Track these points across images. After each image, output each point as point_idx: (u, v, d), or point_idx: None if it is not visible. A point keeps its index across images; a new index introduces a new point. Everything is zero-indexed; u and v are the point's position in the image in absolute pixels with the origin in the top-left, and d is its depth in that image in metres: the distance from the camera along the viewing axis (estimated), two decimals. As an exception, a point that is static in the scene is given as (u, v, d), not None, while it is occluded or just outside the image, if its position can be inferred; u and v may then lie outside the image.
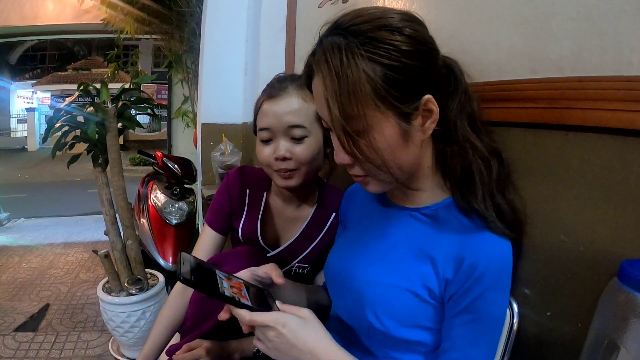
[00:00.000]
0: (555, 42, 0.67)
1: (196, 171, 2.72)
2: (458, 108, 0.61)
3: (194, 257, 0.61)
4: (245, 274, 0.68)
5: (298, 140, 0.86)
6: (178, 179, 2.61)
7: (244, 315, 0.56)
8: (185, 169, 2.62)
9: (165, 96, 4.78)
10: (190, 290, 0.95)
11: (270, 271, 0.69)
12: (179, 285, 1.01)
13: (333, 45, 0.55)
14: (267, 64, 1.58)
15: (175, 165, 2.59)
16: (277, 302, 0.63)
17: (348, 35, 0.54)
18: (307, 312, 0.58)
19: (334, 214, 0.97)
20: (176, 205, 2.54)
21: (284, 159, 0.85)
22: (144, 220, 2.48)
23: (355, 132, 0.55)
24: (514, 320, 0.70)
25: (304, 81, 0.64)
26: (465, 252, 0.58)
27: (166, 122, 4.47)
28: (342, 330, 0.68)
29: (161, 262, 2.29)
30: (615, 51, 0.59)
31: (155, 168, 2.72)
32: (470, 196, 0.62)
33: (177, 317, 0.97)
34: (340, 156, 0.60)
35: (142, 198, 2.68)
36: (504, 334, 0.70)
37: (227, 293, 0.57)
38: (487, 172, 0.62)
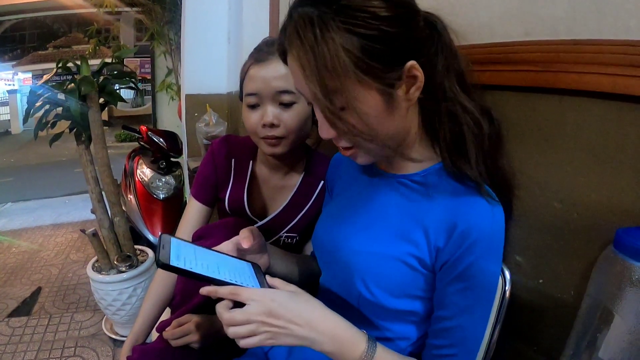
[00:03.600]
0: (550, 3, 0.64)
1: (182, 144, 2.67)
2: (444, 68, 0.58)
3: (174, 237, 0.59)
4: (227, 246, 0.66)
5: (286, 106, 0.83)
6: (164, 152, 2.56)
7: (225, 291, 0.53)
8: (171, 143, 2.57)
9: (149, 70, 4.64)
10: None
11: (239, 238, 0.67)
12: None
13: (304, 17, 0.51)
14: (251, 32, 1.52)
15: (161, 139, 2.53)
16: (267, 277, 0.61)
17: (320, 5, 0.50)
18: (294, 287, 0.57)
19: (322, 182, 0.94)
20: (163, 180, 2.50)
21: (272, 125, 0.83)
22: (131, 197, 2.44)
23: (339, 106, 0.52)
24: (506, 288, 0.70)
25: (280, 57, 0.60)
26: (457, 219, 0.56)
27: (150, 97, 4.37)
28: (332, 301, 0.67)
29: (150, 237, 2.27)
30: (612, 14, 0.57)
31: (141, 143, 2.66)
32: (460, 160, 0.59)
33: (166, 292, 0.96)
34: (325, 131, 0.57)
35: (129, 174, 2.63)
36: (496, 301, 0.69)
37: (206, 273, 0.55)
38: (479, 133, 0.59)
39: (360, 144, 0.56)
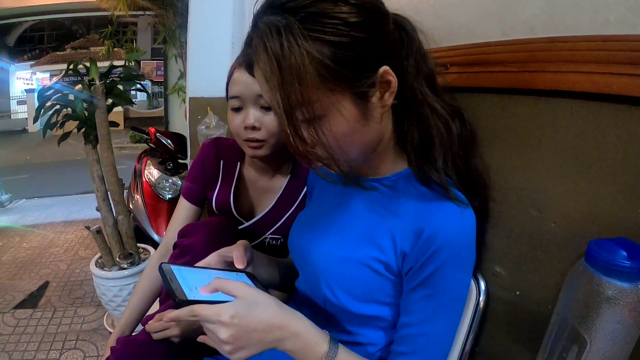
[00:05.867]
0: (527, 1, 0.62)
1: (189, 146, 2.71)
2: (414, 69, 0.56)
3: (172, 265, 0.58)
4: (213, 258, 0.66)
5: (268, 109, 0.85)
6: (172, 154, 2.60)
7: (183, 313, 0.53)
8: (178, 144, 2.62)
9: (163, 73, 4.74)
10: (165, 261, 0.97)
11: (235, 258, 0.65)
12: (154, 256, 1.03)
13: (270, 27, 0.48)
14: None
15: (168, 140, 2.58)
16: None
17: (285, 14, 0.48)
18: (242, 288, 0.55)
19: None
20: (170, 180, 2.54)
21: (253, 128, 0.85)
22: (138, 196, 2.50)
23: (307, 120, 0.50)
24: (480, 299, 0.68)
25: (246, 69, 0.60)
26: (424, 224, 0.55)
27: (148, 100, 4.43)
28: (303, 302, 0.68)
29: (155, 237, 2.31)
30: (591, 8, 0.54)
31: (150, 144, 2.72)
32: (426, 165, 0.58)
33: (154, 287, 0.99)
34: (292, 145, 0.53)
35: (137, 174, 2.68)
36: (469, 312, 0.68)
37: (217, 299, 0.54)
38: (447, 135, 0.58)
39: (333, 156, 0.54)
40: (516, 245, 0.67)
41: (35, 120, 1.71)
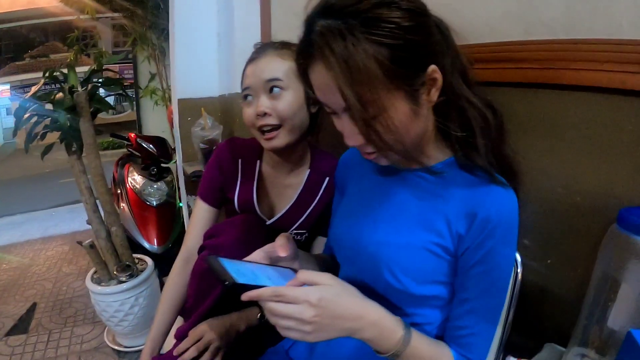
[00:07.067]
0: (547, 4, 0.68)
1: (172, 149, 2.64)
2: (450, 67, 0.60)
3: (220, 258, 0.58)
4: (258, 254, 0.66)
5: (277, 95, 0.87)
6: (154, 159, 2.53)
7: (266, 292, 0.53)
8: (161, 148, 2.55)
9: (129, 75, 4.57)
10: (189, 267, 0.96)
11: (275, 246, 0.66)
12: (176, 264, 1.01)
13: (332, 29, 0.52)
14: (243, 34, 1.52)
15: (151, 145, 2.51)
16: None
17: (346, 18, 0.51)
18: (334, 280, 0.57)
19: (327, 178, 0.97)
20: (155, 186, 2.48)
21: (265, 114, 0.86)
22: (123, 205, 2.42)
23: (371, 116, 0.54)
24: (519, 270, 0.74)
25: (299, 72, 0.62)
26: (477, 207, 0.60)
27: (129, 103, 4.30)
28: None
29: (146, 245, 2.25)
30: (606, 14, 0.61)
31: (130, 150, 2.63)
32: (473, 153, 0.62)
33: (180, 294, 0.98)
34: (353, 139, 0.59)
35: (119, 182, 2.59)
36: (510, 283, 0.73)
37: (243, 280, 0.54)
38: (486, 125, 0.62)
39: (387, 149, 0.58)
40: (545, 219, 0.74)
41: (14, 134, 1.62)
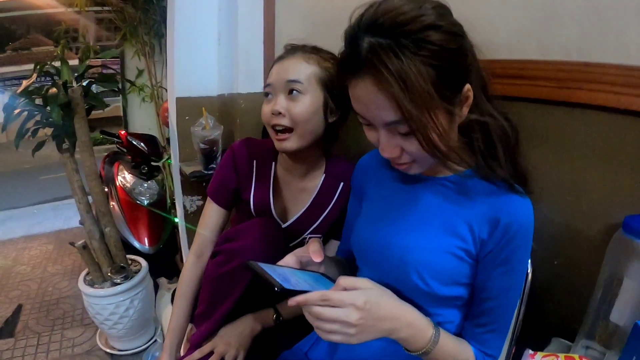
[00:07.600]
0: (563, 27, 0.73)
1: (163, 148, 2.60)
2: (475, 82, 0.63)
3: (259, 263, 0.60)
4: (290, 259, 0.68)
5: (295, 97, 0.88)
6: (145, 157, 2.49)
7: (314, 297, 0.55)
8: (151, 147, 2.50)
9: (112, 71, 4.45)
10: (202, 261, 0.97)
11: (308, 251, 0.69)
12: (188, 261, 1.02)
13: (384, 46, 0.54)
14: (245, 34, 1.51)
15: (142, 144, 2.46)
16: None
17: (397, 37, 0.53)
18: (367, 281, 0.61)
19: (342, 182, 0.98)
20: (145, 185, 2.44)
21: (279, 114, 0.87)
22: (113, 204, 2.36)
23: (417, 129, 0.56)
24: (528, 271, 0.77)
25: (337, 83, 0.64)
26: (499, 214, 0.64)
27: (114, 98, 4.18)
28: None
29: (137, 245, 2.21)
30: (617, 41, 0.66)
31: (120, 147, 2.57)
32: (494, 163, 0.66)
33: (194, 290, 1.00)
34: (389, 150, 0.62)
35: (108, 180, 2.53)
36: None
37: (289, 285, 0.56)
38: (505, 137, 0.66)
39: (421, 159, 0.62)
40: (554, 224, 0.79)
41: (3, 129, 1.56)
